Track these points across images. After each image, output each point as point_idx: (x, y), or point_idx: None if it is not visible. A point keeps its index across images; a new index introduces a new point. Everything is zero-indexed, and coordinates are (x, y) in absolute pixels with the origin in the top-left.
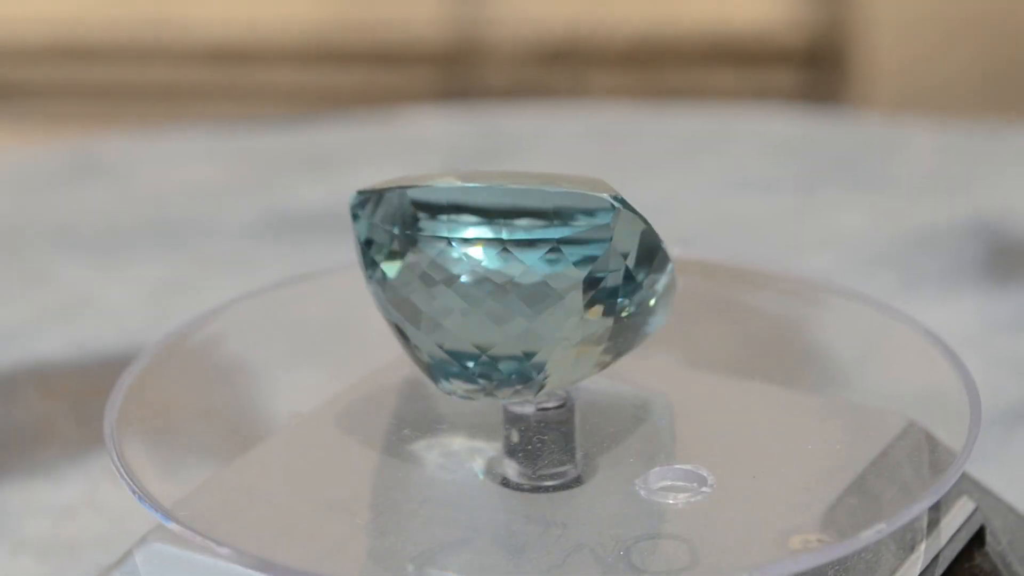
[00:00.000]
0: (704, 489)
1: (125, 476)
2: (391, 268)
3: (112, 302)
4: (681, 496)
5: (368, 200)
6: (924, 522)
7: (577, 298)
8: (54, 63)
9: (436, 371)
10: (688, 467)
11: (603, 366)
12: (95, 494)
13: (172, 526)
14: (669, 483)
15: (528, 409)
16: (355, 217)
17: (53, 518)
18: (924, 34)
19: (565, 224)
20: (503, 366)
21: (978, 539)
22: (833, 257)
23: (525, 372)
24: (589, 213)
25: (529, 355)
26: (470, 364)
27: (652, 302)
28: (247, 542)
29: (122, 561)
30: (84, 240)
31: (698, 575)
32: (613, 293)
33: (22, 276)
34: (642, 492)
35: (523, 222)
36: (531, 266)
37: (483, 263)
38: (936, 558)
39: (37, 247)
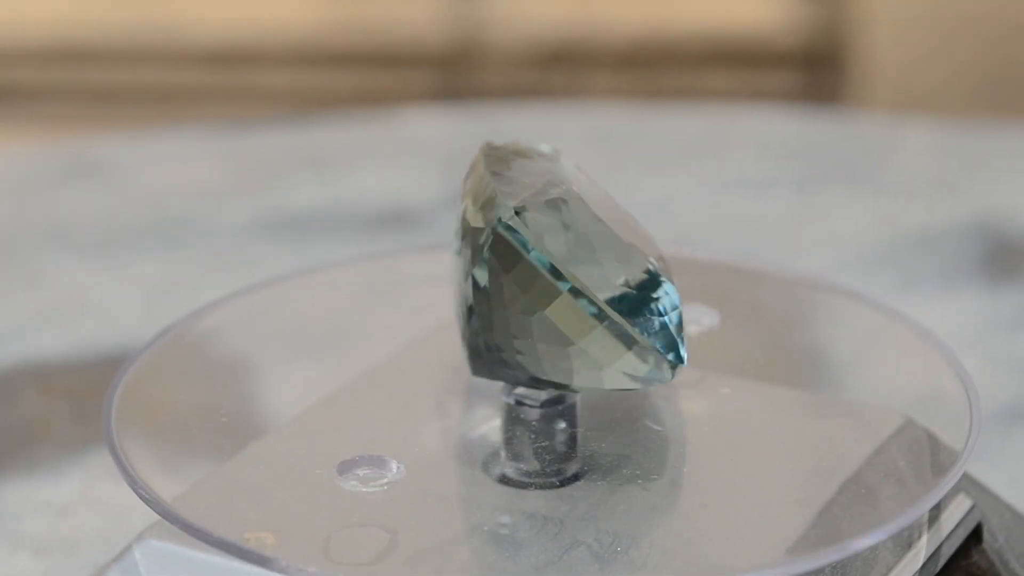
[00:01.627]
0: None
1: (129, 473)
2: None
3: (109, 302)
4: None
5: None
6: (923, 519)
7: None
8: (50, 65)
9: None
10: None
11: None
12: (93, 492)
13: (179, 521)
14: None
15: (527, 405)
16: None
17: (51, 516)
18: (921, 35)
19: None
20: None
21: (975, 536)
22: (831, 257)
23: None
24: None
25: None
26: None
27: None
28: (244, 538)
29: (121, 557)
30: (81, 240)
31: (693, 574)
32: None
33: (19, 276)
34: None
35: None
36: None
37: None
38: (934, 555)
39: (34, 247)
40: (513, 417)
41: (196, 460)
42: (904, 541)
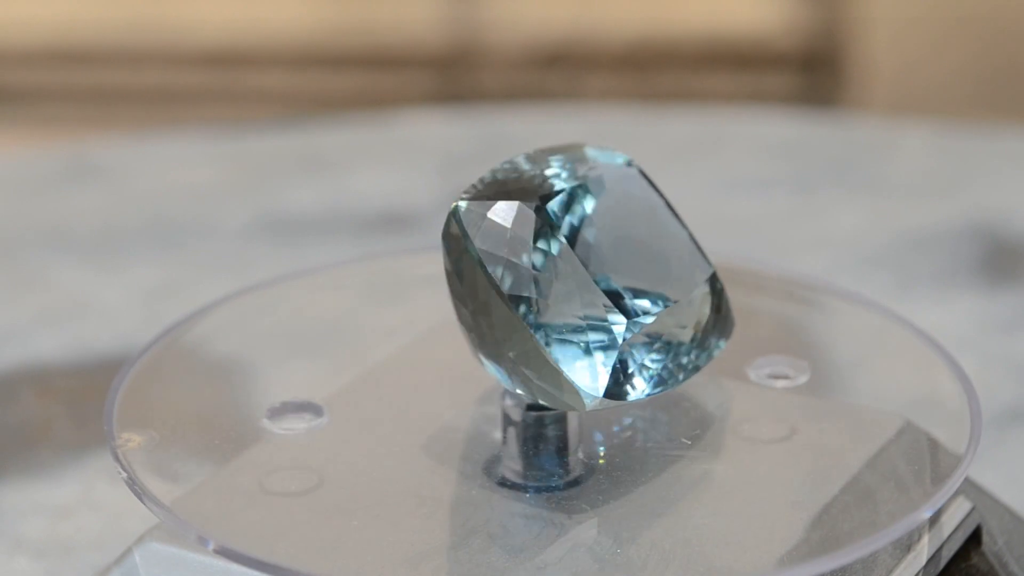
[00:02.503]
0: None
1: (131, 479)
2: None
3: (108, 304)
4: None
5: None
6: (924, 522)
7: None
8: (49, 66)
9: None
10: None
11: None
12: (92, 494)
13: (183, 529)
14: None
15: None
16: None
17: (50, 518)
18: (919, 36)
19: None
20: None
21: (975, 539)
22: (829, 259)
23: None
24: None
25: None
26: None
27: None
28: (244, 542)
29: (121, 560)
30: (80, 242)
31: None
32: None
33: (18, 278)
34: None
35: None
36: None
37: None
38: (934, 558)
39: (33, 249)
40: (513, 421)
41: (196, 463)
42: (904, 543)
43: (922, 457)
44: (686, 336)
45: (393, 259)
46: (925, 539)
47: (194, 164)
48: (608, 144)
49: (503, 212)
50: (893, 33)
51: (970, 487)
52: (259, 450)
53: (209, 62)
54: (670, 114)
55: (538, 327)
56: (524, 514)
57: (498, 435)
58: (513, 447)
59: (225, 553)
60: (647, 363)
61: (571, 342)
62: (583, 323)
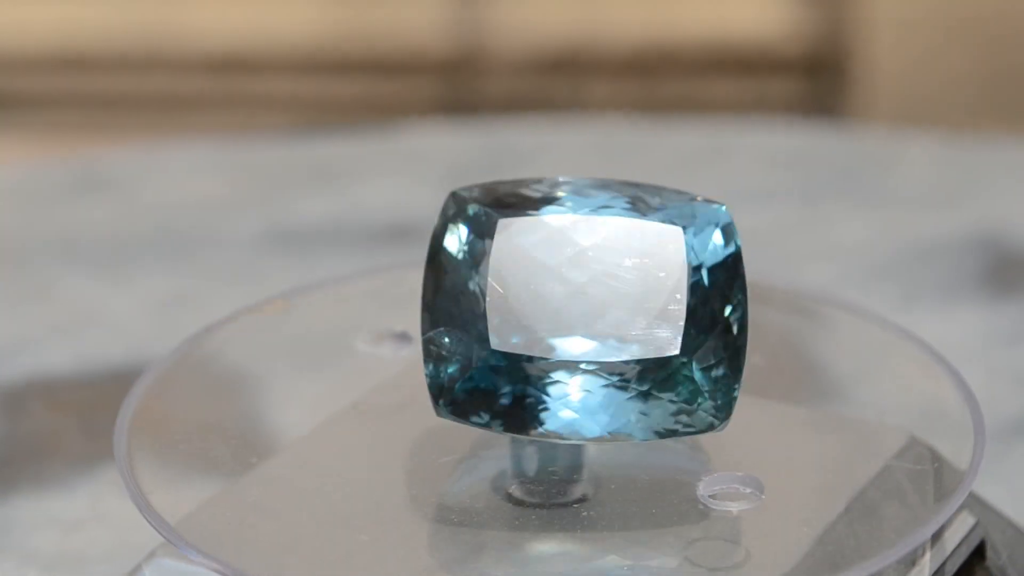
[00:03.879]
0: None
1: (137, 497)
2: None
3: (117, 316)
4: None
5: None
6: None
7: None
8: (54, 74)
9: None
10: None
11: None
12: (102, 507)
13: (185, 550)
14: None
15: None
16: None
17: (60, 531)
18: (925, 42)
19: None
20: None
21: (978, 553)
22: (833, 270)
23: None
24: None
25: None
26: None
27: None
28: (253, 559)
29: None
30: (88, 253)
31: None
32: None
33: (26, 290)
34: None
35: None
36: None
37: None
38: (937, 573)
39: (42, 261)
40: (521, 437)
41: (205, 479)
42: (908, 559)
43: (926, 472)
44: (602, 395)
45: (407, 271)
46: (928, 555)
47: (202, 174)
48: (614, 153)
49: (465, 209)
50: (897, 37)
51: (974, 501)
52: (270, 465)
53: (215, 69)
54: (674, 124)
55: (429, 328)
56: (533, 531)
57: (507, 451)
58: (522, 463)
59: (232, 572)
60: (534, 401)
61: (444, 353)
62: (461, 340)
